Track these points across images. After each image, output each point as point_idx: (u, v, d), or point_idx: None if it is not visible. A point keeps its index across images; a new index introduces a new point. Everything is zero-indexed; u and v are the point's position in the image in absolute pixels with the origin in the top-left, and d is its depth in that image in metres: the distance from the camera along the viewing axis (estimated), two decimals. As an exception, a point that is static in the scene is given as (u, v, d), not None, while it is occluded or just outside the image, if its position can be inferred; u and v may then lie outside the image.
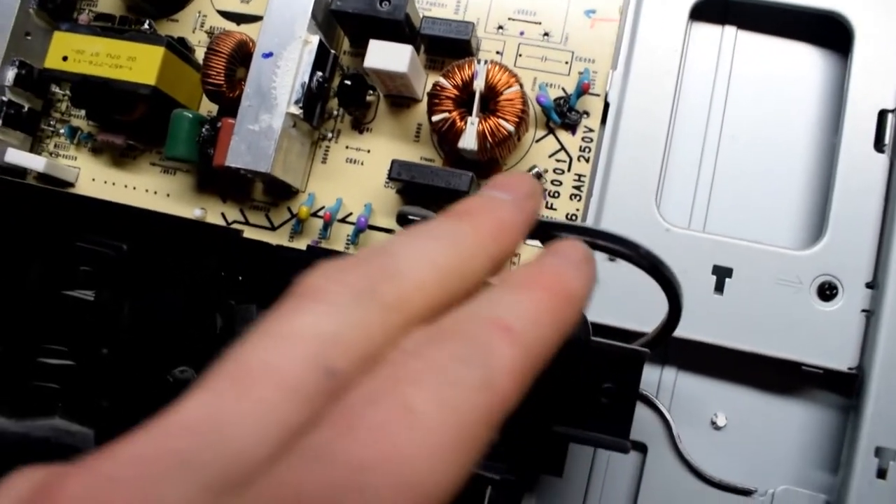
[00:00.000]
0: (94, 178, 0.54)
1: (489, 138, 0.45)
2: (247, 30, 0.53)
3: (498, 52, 0.50)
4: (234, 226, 0.51)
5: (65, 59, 0.50)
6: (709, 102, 0.50)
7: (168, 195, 0.52)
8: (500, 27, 0.50)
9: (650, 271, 0.38)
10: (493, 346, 0.19)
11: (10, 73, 0.53)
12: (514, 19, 0.50)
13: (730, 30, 0.51)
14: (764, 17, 0.51)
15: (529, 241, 0.43)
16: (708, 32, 0.51)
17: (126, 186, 0.53)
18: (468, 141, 0.45)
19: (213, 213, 0.51)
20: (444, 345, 0.19)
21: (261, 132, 0.46)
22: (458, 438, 0.17)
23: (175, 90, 0.50)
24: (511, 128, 0.45)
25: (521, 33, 0.50)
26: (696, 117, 0.50)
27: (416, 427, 0.17)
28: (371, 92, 0.50)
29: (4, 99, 0.53)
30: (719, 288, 0.46)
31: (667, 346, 0.48)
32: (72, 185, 0.54)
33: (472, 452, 0.18)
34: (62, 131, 0.55)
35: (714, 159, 0.49)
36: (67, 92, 0.54)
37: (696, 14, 0.50)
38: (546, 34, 0.50)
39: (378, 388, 0.18)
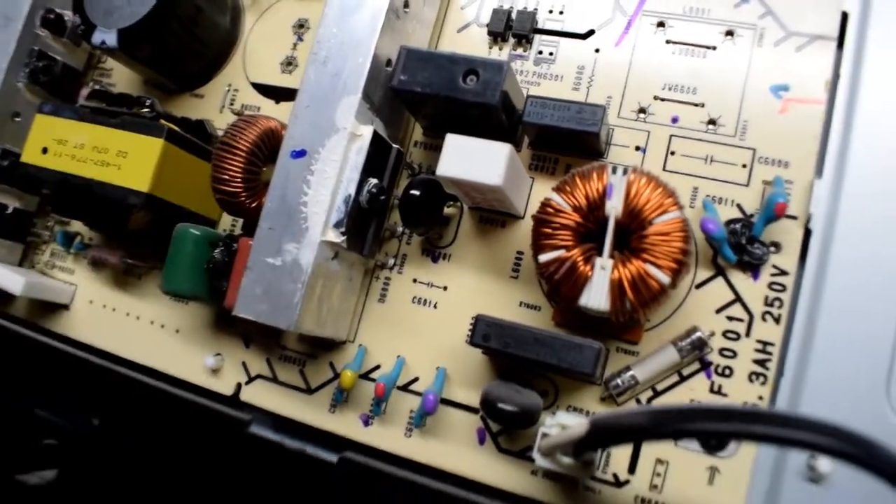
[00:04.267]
0: (91, 301, 0.38)
1: (630, 293, 0.26)
2: (287, 110, 0.36)
3: (638, 148, 0.31)
4: (258, 382, 0.34)
5: (44, 151, 0.35)
6: (976, 230, 0.30)
7: (177, 331, 0.36)
8: (642, 110, 0.32)
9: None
10: None
11: (-9, 165, 0.38)
12: (663, 98, 0.32)
13: None
14: None
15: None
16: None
17: (128, 315, 0.37)
18: (595, 296, 0.26)
19: (232, 361, 0.34)
20: None
21: (284, 269, 0.29)
22: None
23: (182, 195, 0.34)
24: (665, 279, 0.26)
25: (674, 120, 0.31)
26: (955, 253, 0.30)
27: None
28: (451, 203, 0.32)
29: (-19, 198, 0.38)
30: None
31: None
32: (66, 307, 0.38)
33: None
34: (57, 238, 0.39)
35: None
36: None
37: (956, 91, 0.30)
38: (712, 121, 0.31)
39: None
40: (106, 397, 0.32)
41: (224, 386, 0.34)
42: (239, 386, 0.34)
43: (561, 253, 0.27)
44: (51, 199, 0.35)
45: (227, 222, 0.36)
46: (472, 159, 0.28)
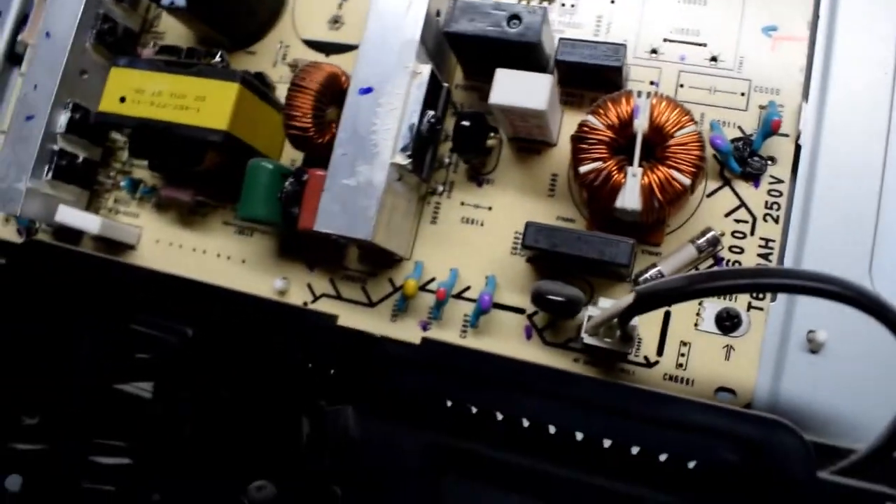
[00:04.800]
0: (157, 240, 0.42)
1: (658, 195, 0.31)
2: (338, 62, 0.40)
3: (652, 83, 0.36)
4: (323, 300, 0.38)
5: (122, 100, 0.38)
6: (935, 141, 0.36)
7: (244, 261, 0.40)
8: (654, 51, 0.37)
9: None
10: None
11: (63, 118, 0.41)
12: (671, 40, 0.37)
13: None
14: None
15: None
16: (927, 51, 0.37)
17: (194, 250, 0.41)
18: (629, 199, 0.31)
19: (298, 284, 0.39)
20: None
21: (358, 188, 0.33)
22: None
23: (252, 135, 0.38)
24: (687, 181, 0.31)
25: (682, 58, 0.36)
26: (919, 161, 0.36)
27: None
28: (492, 134, 0.37)
29: (55, 148, 0.41)
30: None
31: None
32: (133, 247, 0.42)
33: None
34: (122, 184, 0.43)
35: (947, 216, 0.35)
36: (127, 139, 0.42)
37: (913, 28, 0.36)
38: (714, 58, 0.36)
39: None
40: (196, 309, 0.36)
41: (292, 305, 0.39)
42: (305, 304, 0.38)
43: (598, 164, 0.32)
44: (130, 144, 0.39)
45: (286, 161, 0.41)
46: (519, 88, 0.33)
